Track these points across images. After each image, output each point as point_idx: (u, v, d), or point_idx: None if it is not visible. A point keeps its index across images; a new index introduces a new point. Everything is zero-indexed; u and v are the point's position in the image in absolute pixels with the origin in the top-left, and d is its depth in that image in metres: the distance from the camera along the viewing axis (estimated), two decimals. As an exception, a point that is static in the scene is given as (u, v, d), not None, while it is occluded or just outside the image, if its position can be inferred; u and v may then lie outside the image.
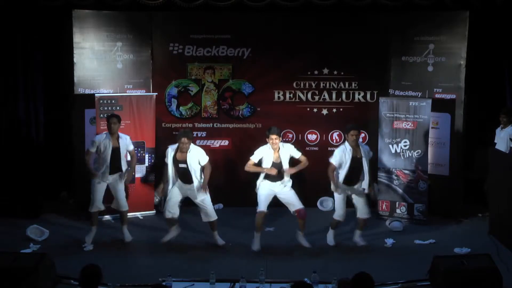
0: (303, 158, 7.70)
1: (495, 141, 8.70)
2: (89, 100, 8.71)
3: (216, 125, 9.48)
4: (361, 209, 7.69)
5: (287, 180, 7.66)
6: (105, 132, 7.90)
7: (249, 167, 7.67)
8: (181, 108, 9.46)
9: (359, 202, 7.69)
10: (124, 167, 7.86)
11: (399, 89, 9.15)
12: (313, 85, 9.37)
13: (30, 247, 7.60)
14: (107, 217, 8.67)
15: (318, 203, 9.32)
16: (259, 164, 7.66)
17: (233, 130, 9.47)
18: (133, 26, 9.13)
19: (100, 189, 7.82)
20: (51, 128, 9.39)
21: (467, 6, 8.66)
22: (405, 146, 8.75)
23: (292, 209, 7.67)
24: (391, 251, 7.65)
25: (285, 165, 7.59)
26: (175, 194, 7.64)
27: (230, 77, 9.40)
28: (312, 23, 9.23)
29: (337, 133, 9.45)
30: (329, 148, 9.40)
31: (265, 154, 7.62)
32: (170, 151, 7.64)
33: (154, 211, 9.10)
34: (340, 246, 7.67)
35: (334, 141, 9.46)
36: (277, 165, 7.57)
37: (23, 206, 8.71)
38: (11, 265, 6.16)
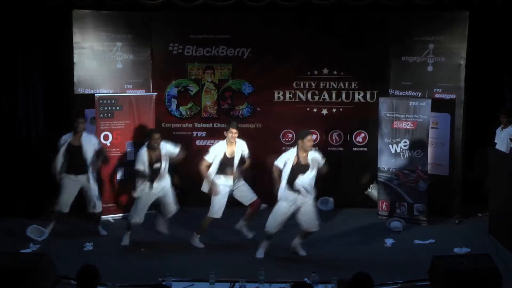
0: (248, 161, 7.74)
1: (495, 141, 8.69)
2: (89, 100, 8.72)
3: (216, 125, 9.47)
4: (308, 222, 7.23)
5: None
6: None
7: (203, 169, 7.59)
8: (181, 108, 9.45)
9: (305, 214, 7.20)
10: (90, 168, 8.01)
11: (399, 89, 9.14)
12: (313, 85, 9.37)
13: (30, 247, 7.60)
14: (107, 217, 8.67)
15: (318, 203, 9.30)
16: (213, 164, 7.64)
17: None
18: (133, 26, 9.13)
19: (69, 189, 7.94)
20: (51, 128, 9.37)
21: (467, 6, 8.65)
22: (405, 146, 8.74)
23: (247, 202, 7.70)
24: (390, 251, 7.64)
25: (236, 162, 7.61)
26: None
27: (230, 77, 9.40)
28: (312, 23, 9.22)
29: (337, 133, 9.44)
30: (329, 148, 9.42)
31: (220, 149, 7.62)
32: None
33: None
34: (339, 246, 7.66)
35: (334, 141, 9.45)
36: (230, 160, 7.60)
37: (22, 206, 8.70)
38: (11, 265, 6.14)
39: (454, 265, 6.29)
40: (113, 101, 8.79)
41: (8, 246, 7.40)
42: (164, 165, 7.74)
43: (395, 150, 8.79)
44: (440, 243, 7.90)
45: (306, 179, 7.09)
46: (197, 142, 9.42)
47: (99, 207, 8.11)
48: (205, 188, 7.67)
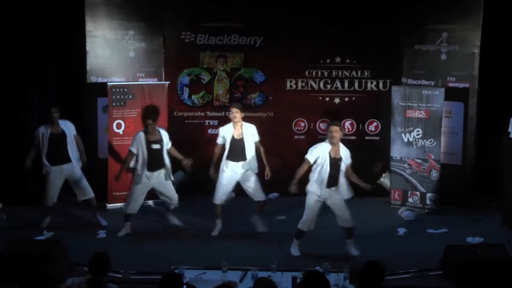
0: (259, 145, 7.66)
1: (509, 130, 8.60)
2: (102, 88, 8.74)
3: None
4: (342, 217, 7.06)
5: (252, 162, 7.58)
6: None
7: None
8: (193, 96, 9.45)
9: (339, 208, 7.05)
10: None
11: (412, 78, 9.07)
12: (325, 73, 9.32)
13: (44, 234, 7.65)
14: (116, 205, 8.71)
15: None
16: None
17: (245, 119, 9.22)
18: (145, 15, 9.11)
19: (56, 182, 7.88)
20: (63, 116, 9.37)
21: (481, -7, 8.55)
22: (417, 135, 8.69)
23: (255, 199, 7.69)
24: (403, 240, 7.63)
25: (248, 144, 7.54)
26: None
27: (242, 65, 9.37)
28: (325, 11, 9.14)
29: (349, 122, 9.40)
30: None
31: (226, 132, 7.59)
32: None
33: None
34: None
35: (346, 130, 9.39)
36: (239, 141, 7.54)
37: (35, 193, 8.75)
38: (25, 252, 6.21)
39: (467, 254, 6.28)
40: (125, 89, 8.79)
41: (21, 233, 7.47)
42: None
43: (408, 139, 8.75)
44: (453, 232, 7.86)
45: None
46: (209, 131, 9.41)
47: (90, 192, 7.98)
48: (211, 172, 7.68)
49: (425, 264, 6.68)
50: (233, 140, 7.54)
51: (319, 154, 6.94)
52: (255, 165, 7.63)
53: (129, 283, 6.28)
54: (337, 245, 7.27)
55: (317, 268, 6.16)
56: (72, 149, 7.87)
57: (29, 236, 7.30)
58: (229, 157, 7.57)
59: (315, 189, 6.98)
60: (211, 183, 7.85)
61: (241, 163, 7.58)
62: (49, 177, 7.83)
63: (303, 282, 4.22)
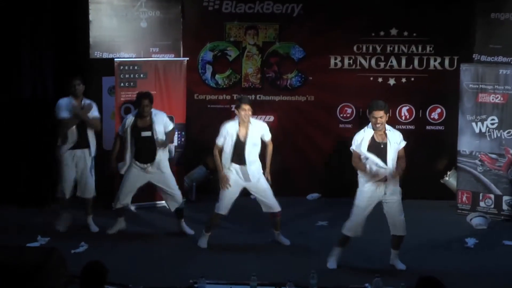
0: (270, 146, 7.58)
1: None
2: (108, 65, 8.82)
3: (259, 97, 9.48)
4: (396, 224, 6.95)
5: (255, 162, 7.49)
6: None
7: (216, 156, 7.51)
8: (217, 76, 9.50)
9: (392, 213, 6.93)
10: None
11: (486, 54, 9.01)
12: (378, 49, 9.32)
13: (38, 240, 7.75)
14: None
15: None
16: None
17: (280, 103, 9.49)
18: (160, -24, 9.21)
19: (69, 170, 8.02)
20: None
21: None
22: (492, 124, 8.65)
23: (266, 209, 7.60)
24: (472, 253, 7.57)
25: (249, 146, 7.43)
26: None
27: (276, 39, 9.40)
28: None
29: (407, 108, 9.38)
30: (396, 126, 9.25)
31: (231, 130, 7.44)
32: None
33: (183, 200, 9.15)
34: (409, 246, 7.57)
35: (403, 117, 9.38)
36: (241, 144, 7.43)
37: (28, 194, 8.87)
38: (16, 261, 6.27)
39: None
40: (136, 67, 8.87)
41: (12, 239, 7.56)
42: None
43: (480, 130, 8.71)
44: (536, 245, 7.82)
45: None
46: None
47: (91, 191, 8.10)
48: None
49: (501, 283, 6.62)
50: (238, 141, 7.43)
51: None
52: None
53: (139, 299, 6.33)
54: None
55: (366, 285, 6.16)
56: (92, 134, 8.04)
57: (20, 242, 7.38)
58: (233, 160, 7.49)
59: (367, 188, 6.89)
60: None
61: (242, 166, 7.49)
62: (61, 163, 7.94)
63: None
